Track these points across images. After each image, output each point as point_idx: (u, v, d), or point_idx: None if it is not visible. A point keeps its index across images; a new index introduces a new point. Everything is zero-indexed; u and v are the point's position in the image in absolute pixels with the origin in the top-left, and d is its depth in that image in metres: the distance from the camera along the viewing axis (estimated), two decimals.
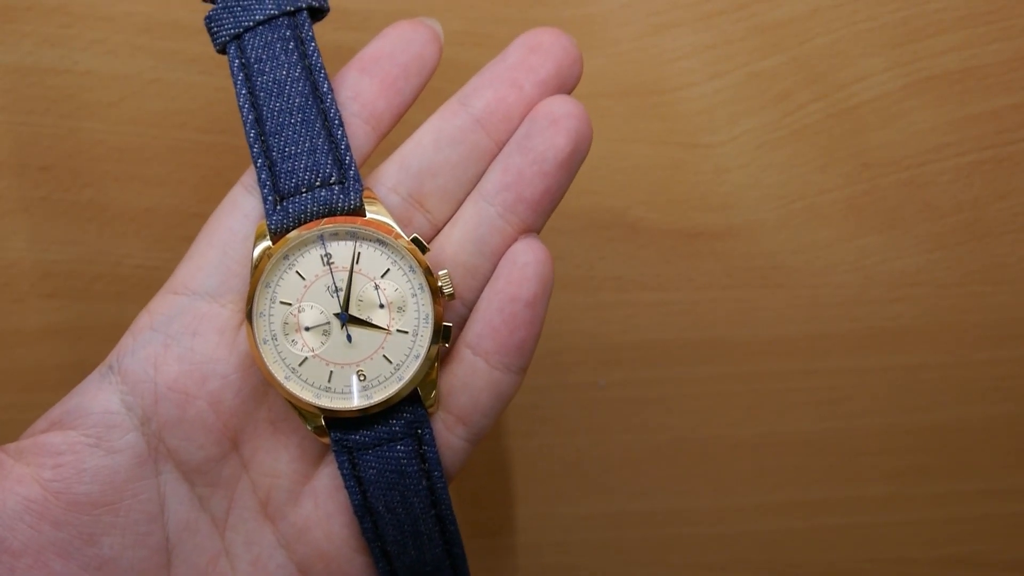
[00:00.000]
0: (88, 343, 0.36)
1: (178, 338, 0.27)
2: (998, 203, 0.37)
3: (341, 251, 0.27)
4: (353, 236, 0.27)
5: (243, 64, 0.28)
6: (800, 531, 0.40)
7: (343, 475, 0.27)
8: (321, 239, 0.27)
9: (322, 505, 0.28)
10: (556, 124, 0.27)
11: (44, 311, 0.36)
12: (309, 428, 0.27)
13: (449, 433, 0.28)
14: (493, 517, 0.40)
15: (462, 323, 0.28)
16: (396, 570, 0.28)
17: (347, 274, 0.27)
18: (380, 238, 0.27)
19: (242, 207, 0.28)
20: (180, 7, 0.35)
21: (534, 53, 0.28)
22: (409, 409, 0.27)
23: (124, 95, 0.35)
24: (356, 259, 0.27)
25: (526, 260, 0.27)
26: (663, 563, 0.40)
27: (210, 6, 0.29)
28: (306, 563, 0.28)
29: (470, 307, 0.28)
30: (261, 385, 0.27)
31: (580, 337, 0.38)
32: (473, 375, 0.27)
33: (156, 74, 0.35)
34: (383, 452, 0.27)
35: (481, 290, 0.28)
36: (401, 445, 0.27)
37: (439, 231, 0.28)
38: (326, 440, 0.27)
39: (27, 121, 0.35)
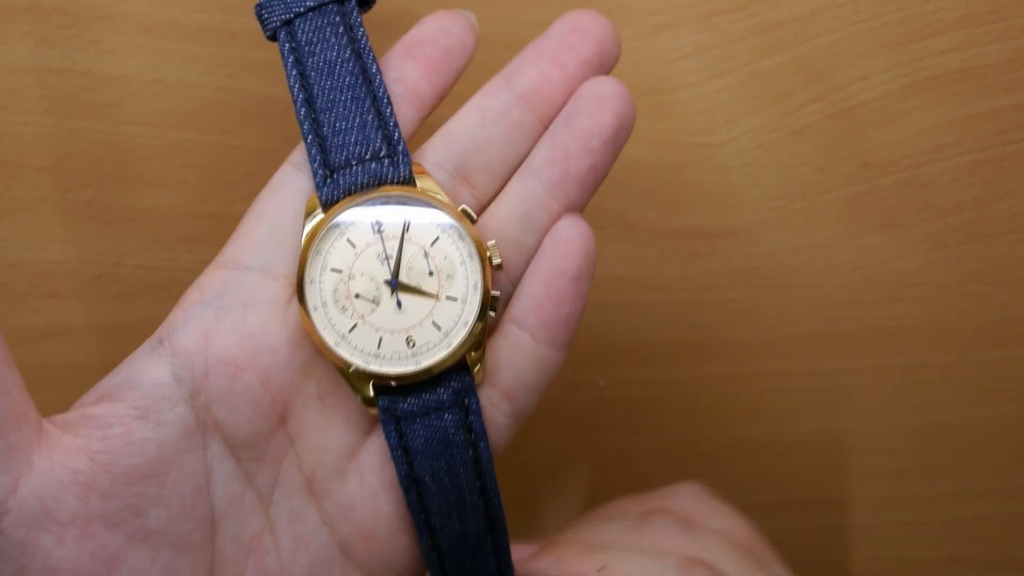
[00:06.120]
0: (88, 343, 0.36)
1: (230, 311, 0.27)
2: (998, 203, 0.37)
3: (391, 219, 0.27)
4: (403, 204, 0.27)
5: (293, 48, 0.28)
6: (800, 531, 0.40)
7: (390, 444, 0.27)
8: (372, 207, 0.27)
9: (367, 482, 0.28)
10: (602, 103, 0.28)
11: (44, 311, 0.36)
12: (358, 398, 0.27)
13: (494, 410, 0.28)
14: None
15: (507, 299, 0.28)
16: (439, 544, 0.28)
17: (397, 242, 0.27)
18: (431, 206, 0.27)
19: (291, 184, 0.28)
20: (180, 7, 0.35)
21: (575, 32, 0.28)
22: (456, 378, 0.27)
23: (124, 95, 0.35)
24: (406, 227, 0.27)
25: (570, 236, 0.28)
26: None
27: None
28: (349, 542, 0.28)
29: (515, 283, 0.28)
30: (310, 359, 0.28)
31: (580, 337, 0.38)
32: (519, 350, 0.28)
33: (156, 74, 0.35)
34: (430, 421, 0.27)
35: (526, 265, 0.28)
36: (448, 414, 0.27)
37: (484, 208, 0.28)
38: (374, 411, 0.27)
39: (27, 121, 0.35)
